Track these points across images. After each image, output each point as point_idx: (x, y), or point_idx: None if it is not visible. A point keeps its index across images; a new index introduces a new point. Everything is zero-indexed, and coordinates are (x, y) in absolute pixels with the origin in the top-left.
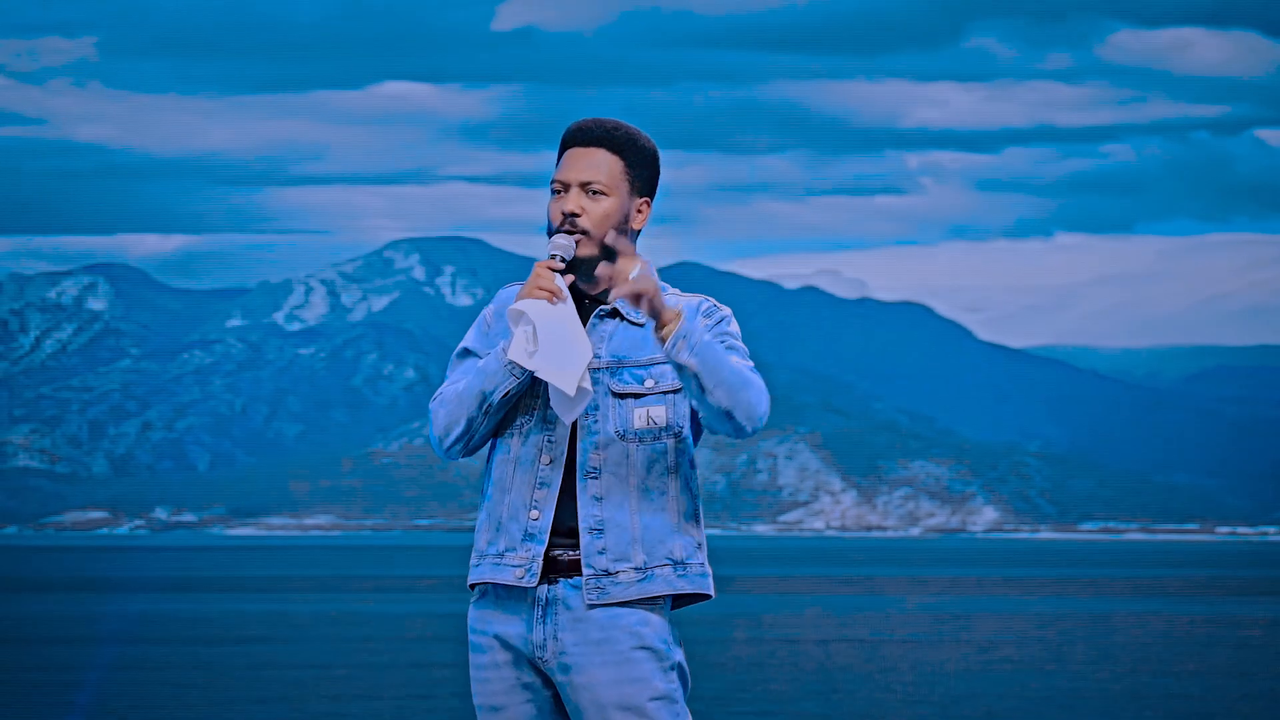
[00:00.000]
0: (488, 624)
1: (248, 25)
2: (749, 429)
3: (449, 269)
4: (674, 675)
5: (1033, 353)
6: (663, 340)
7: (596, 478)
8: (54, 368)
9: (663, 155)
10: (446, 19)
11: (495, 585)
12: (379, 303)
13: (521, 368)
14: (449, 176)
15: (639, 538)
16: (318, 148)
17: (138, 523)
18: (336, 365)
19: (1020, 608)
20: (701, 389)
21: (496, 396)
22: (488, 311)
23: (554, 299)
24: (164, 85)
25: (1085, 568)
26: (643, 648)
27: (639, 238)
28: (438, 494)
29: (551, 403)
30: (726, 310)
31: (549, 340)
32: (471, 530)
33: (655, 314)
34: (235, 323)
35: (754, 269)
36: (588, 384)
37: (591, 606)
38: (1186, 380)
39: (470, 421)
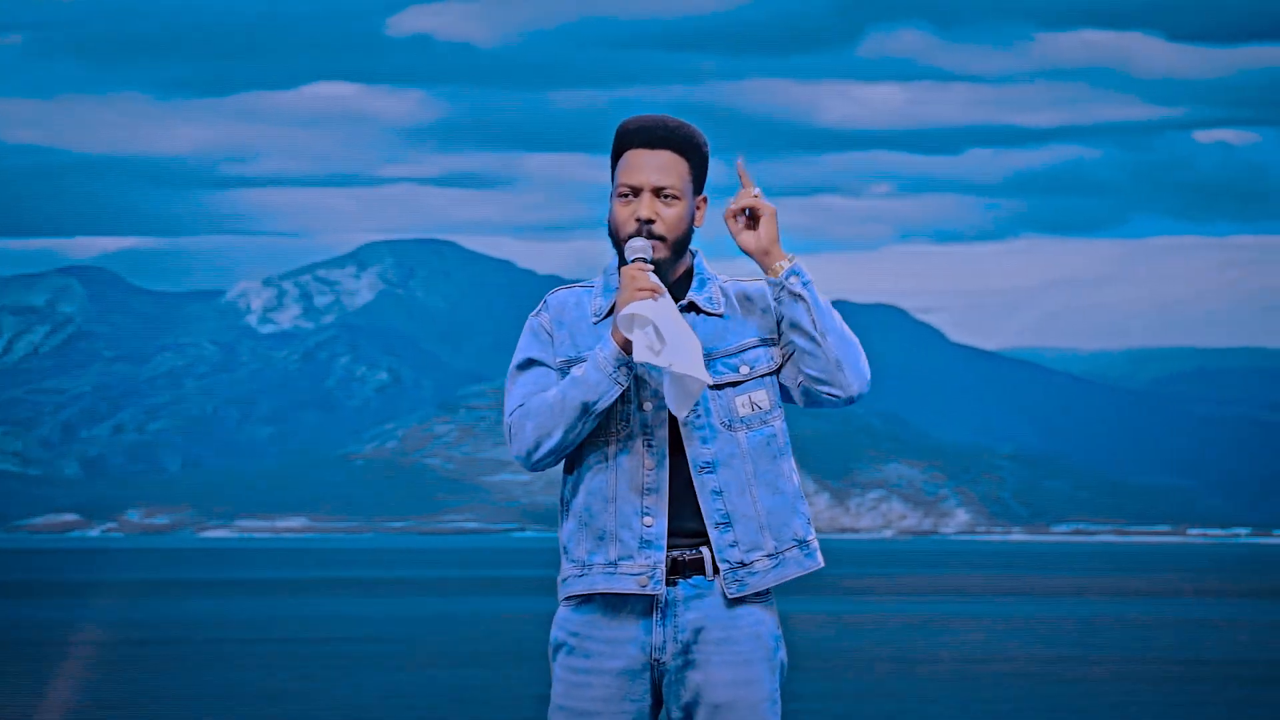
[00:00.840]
0: (595, 628)
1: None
2: (856, 389)
3: (421, 271)
4: (778, 675)
5: (1005, 355)
6: (775, 273)
7: (712, 472)
8: (26, 370)
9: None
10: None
11: (604, 593)
12: (352, 305)
13: (627, 374)
14: (397, 178)
15: (765, 524)
16: (277, 148)
17: (109, 525)
18: (309, 368)
19: (989, 610)
20: (813, 332)
21: (602, 405)
22: (544, 319)
23: (656, 295)
24: (97, 86)
25: (1059, 569)
26: (759, 649)
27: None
28: (410, 496)
29: (667, 399)
30: None
31: (671, 337)
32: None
33: (771, 241)
34: (208, 325)
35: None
36: (707, 376)
37: (733, 600)
38: (1159, 382)
39: (568, 431)
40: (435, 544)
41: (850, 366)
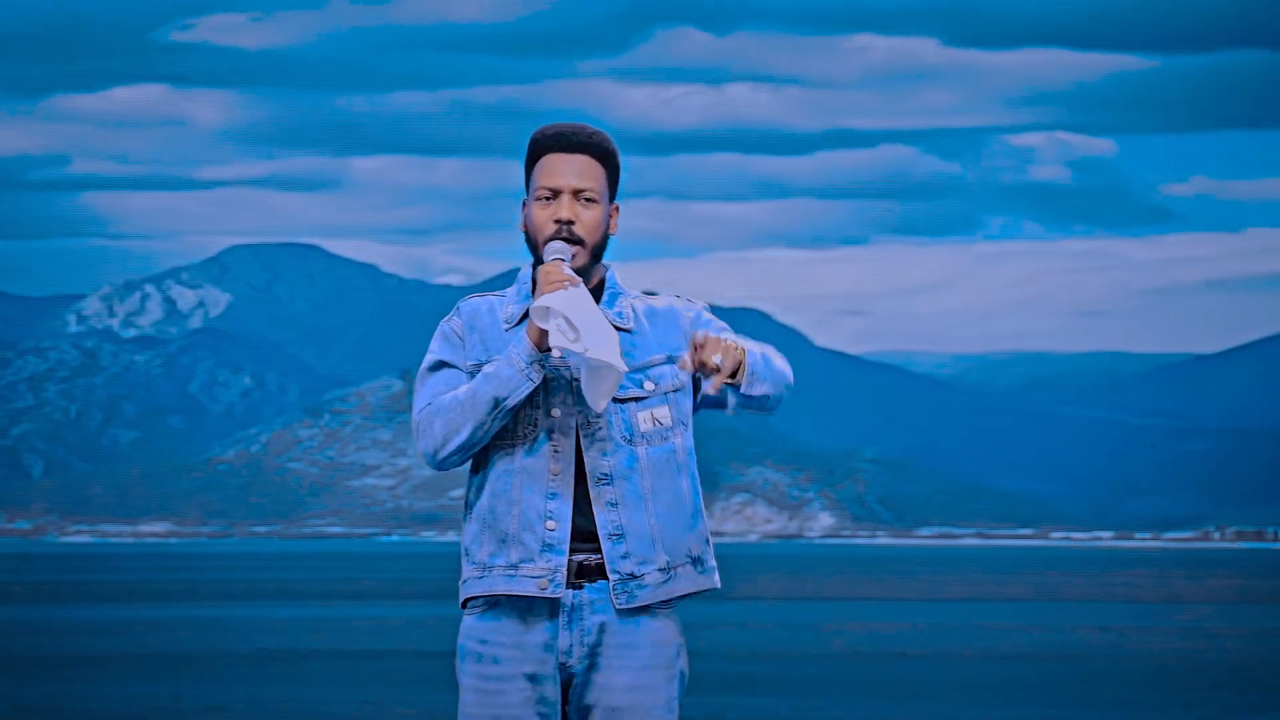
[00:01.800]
0: (503, 634)
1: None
2: (785, 399)
3: (285, 275)
4: (677, 683)
5: (868, 359)
6: (736, 386)
7: (609, 484)
8: None
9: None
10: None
11: (508, 597)
12: (215, 309)
13: (539, 371)
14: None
15: (659, 539)
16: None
17: None
18: (172, 372)
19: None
20: (766, 399)
21: (512, 401)
22: (455, 324)
23: (569, 285)
24: None
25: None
26: (659, 656)
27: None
28: (274, 501)
29: (584, 390)
30: (699, 304)
31: (585, 326)
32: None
33: (734, 363)
34: (70, 329)
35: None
36: (623, 364)
37: (620, 611)
38: (1021, 386)
39: (477, 428)
40: (299, 548)
41: (782, 391)
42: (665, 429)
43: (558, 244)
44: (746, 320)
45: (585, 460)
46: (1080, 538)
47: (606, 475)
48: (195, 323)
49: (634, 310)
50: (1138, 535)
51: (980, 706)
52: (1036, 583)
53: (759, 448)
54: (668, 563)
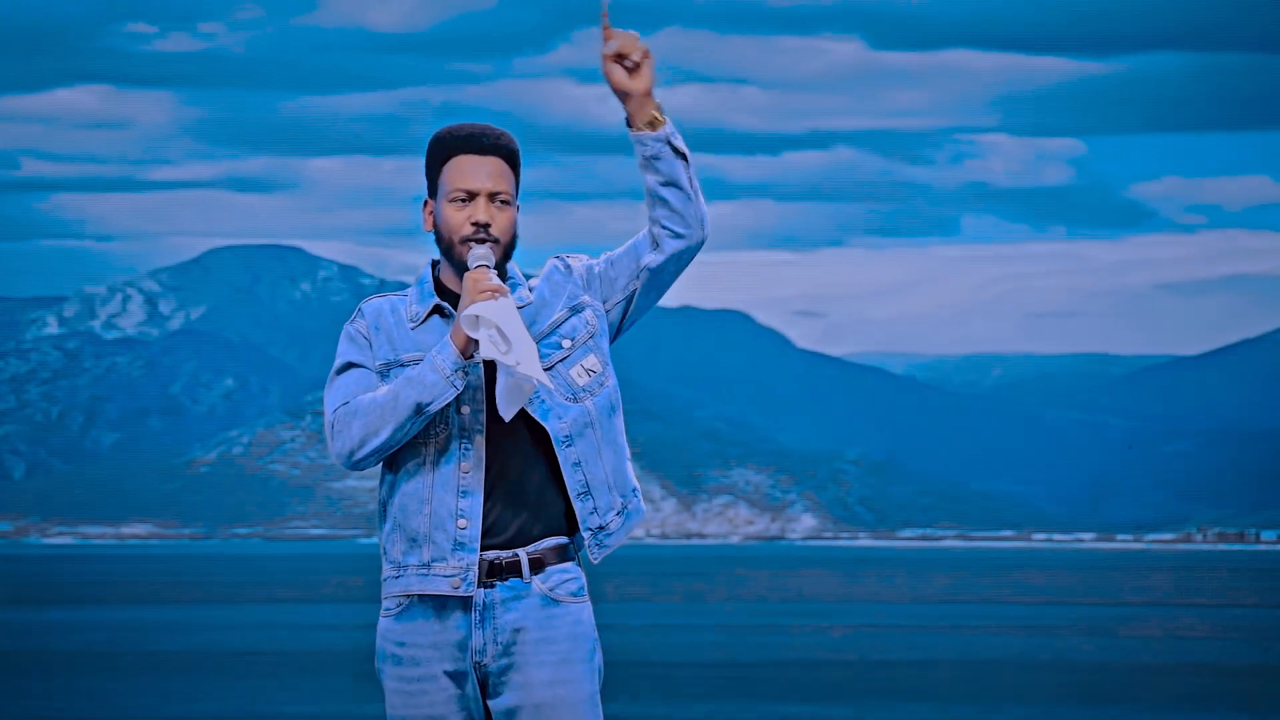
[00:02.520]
0: (419, 635)
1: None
2: (709, 230)
3: (267, 277)
4: (597, 674)
5: (851, 361)
6: (655, 125)
7: (571, 445)
8: None
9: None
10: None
11: (422, 596)
12: (197, 311)
13: (463, 378)
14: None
15: (612, 483)
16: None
17: None
18: (154, 373)
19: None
20: (688, 190)
21: (435, 407)
22: (360, 326)
23: (498, 296)
24: None
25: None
26: (578, 649)
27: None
28: (256, 503)
29: (498, 398)
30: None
31: (516, 338)
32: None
33: (650, 88)
34: (52, 330)
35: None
36: (548, 379)
37: (549, 600)
38: (1001, 388)
39: (397, 430)
40: (281, 550)
41: (704, 211)
42: (600, 375)
43: (483, 250)
44: (727, 321)
45: (548, 427)
46: (1062, 539)
47: (568, 437)
48: (176, 324)
49: (529, 289)
50: (1119, 537)
51: (960, 706)
52: (1018, 584)
53: (741, 449)
54: (621, 503)
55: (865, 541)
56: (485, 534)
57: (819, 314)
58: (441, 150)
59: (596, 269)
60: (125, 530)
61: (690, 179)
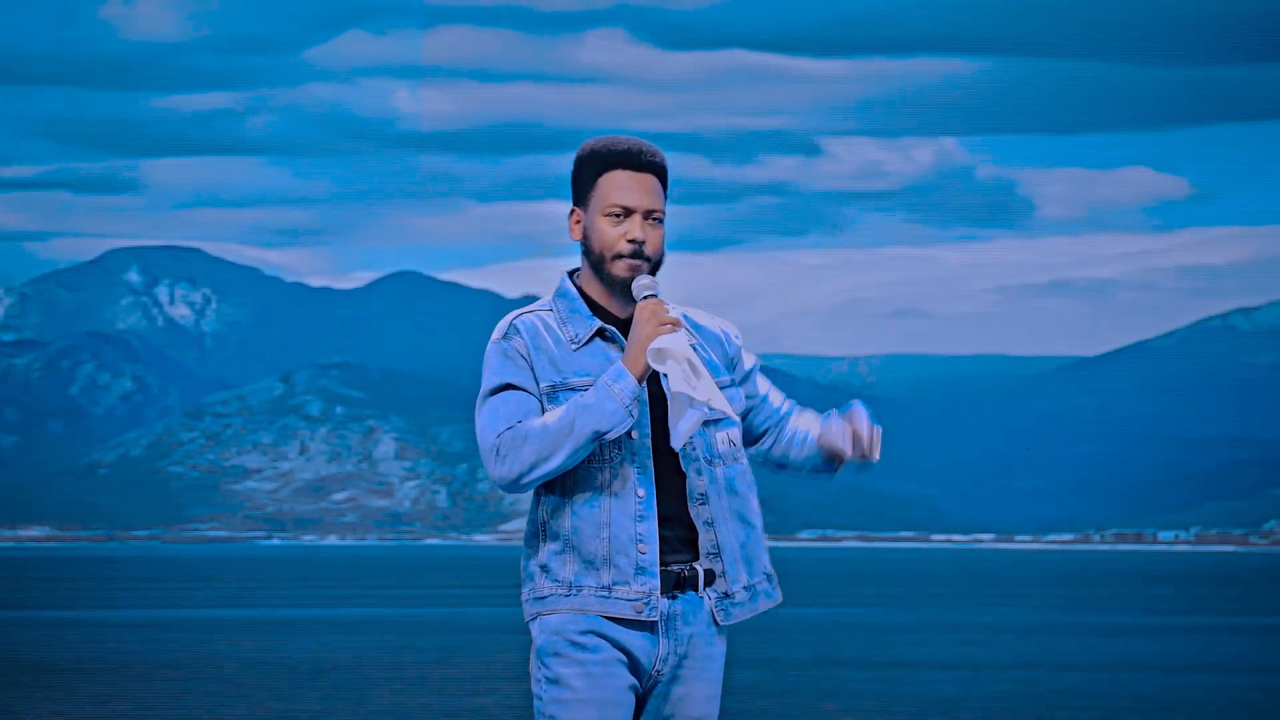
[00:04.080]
0: (603, 628)
1: None
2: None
3: (167, 279)
4: None
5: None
6: (838, 463)
7: (704, 503)
8: None
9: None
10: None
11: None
12: (96, 312)
13: (639, 408)
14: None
15: (742, 557)
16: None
17: None
18: (52, 375)
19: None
20: (820, 476)
21: (612, 435)
22: (518, 344)
23: (676, 328)
24: None
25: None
26: (722, 671)
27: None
28: (155, 504)
29: (671, 430)
30: (733, 327)
31: (701, 373)
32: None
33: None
34: None
35: (473, 278)
36: (733, 410)
37: (706, 625)
38: (901, 389)
39: (570, 458)
40: (181, 552)
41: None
42: (736, 450)
43: (647, 279)
44: None
45: (687, 481)
46: (960, 540)
47: (703, 495)
48: (76, 325)
49: (687, 324)
50: (1018, 538)
51: (849, 716)
52: (919, 585)
53: None
54: (749, 580)
55: (767, 543)
56: (663, 549)
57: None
58: (597, 163)
59: (749, 371)
60: (24, 533)
61: (804, 474)
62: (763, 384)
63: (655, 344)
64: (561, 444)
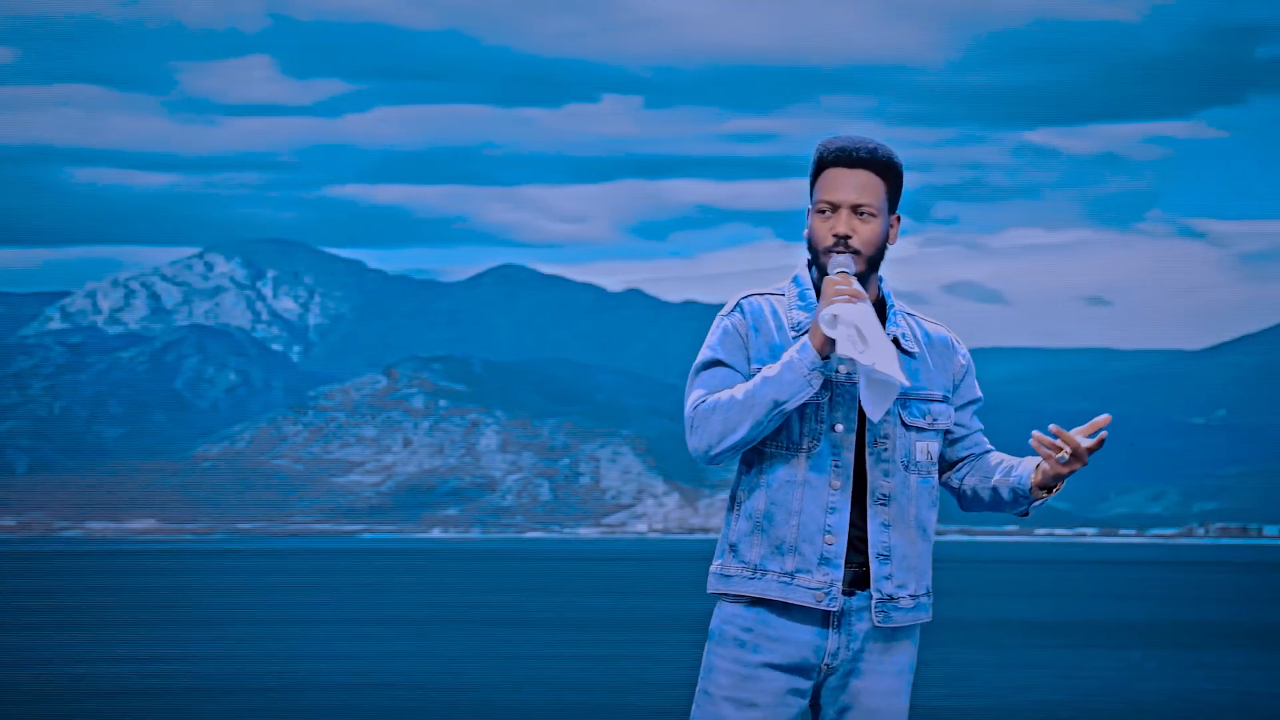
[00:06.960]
0: (769, 626)
1: None
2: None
3: (271, 272)
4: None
5: None
6: (1039, 496)
7: (886, 505)
8: None
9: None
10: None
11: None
12: (200, 306)
13: (819, 379)
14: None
15: (914, 566)
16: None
17: None
18: (158, 368)
19: None
20: (1008, 511)
21: (791, 405)
22: (738, 322)
23: (856, 300)
24: None
25: None
26: (907, 669)
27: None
28: (260, 497)
29: (863, 399)
30: (962, 344)
31: (873, 339)
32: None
33: (1071, 472)
34: (55, 325)
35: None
36: (904, 378)
37: (877, 628)
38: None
39: (755, 427)
40: (285, 544)
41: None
42: (931, 464)
43: (843, 258)
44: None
45: (868, 478)
46: (1064, 534)
47: (886, 496)
48: (180, 319)
49: (914, 332)
50: (1122, 531)
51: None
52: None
53: None
54: (915, 591)
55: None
56: (848, 548)
57: None
58: (817, 163)
59: (972, 401)
60: (129, 525)
61: (998, 509)
62: (976, 422)
63: (828, 310)
64: (746, 415)
